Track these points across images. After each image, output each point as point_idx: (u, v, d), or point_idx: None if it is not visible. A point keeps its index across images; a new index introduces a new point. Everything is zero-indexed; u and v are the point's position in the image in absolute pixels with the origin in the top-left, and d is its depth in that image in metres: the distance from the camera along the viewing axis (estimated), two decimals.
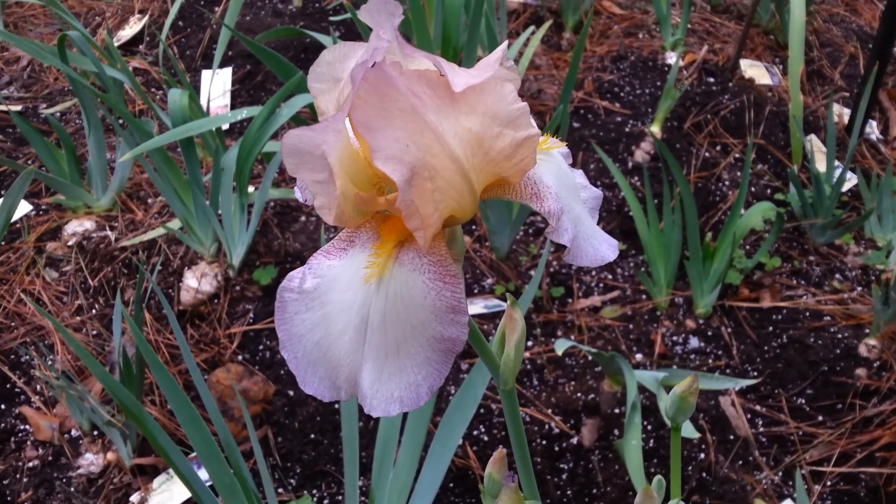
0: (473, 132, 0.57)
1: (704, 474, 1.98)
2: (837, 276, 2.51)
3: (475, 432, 2.04)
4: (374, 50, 0.54)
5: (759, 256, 2.40)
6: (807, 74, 3.38)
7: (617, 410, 2.06)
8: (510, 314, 0.72)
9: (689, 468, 1.98)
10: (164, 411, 2.08)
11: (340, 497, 1.94)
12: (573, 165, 2.53)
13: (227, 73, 3.15)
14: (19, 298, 2.35)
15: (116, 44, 3.37)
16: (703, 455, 2.01)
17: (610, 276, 2.48)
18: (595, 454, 2.00)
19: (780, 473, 2.01)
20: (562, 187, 0.63)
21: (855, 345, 2.25)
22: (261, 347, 2.23)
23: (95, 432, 2.04)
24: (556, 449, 2.01)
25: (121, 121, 2.79)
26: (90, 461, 1.99)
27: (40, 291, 2.37)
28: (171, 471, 1.93)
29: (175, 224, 2.44)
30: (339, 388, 0.60)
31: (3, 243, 2.51)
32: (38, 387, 2.15)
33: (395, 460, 1.59)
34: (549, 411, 2.09)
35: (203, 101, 2.93)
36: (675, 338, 2.31)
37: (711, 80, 3.14)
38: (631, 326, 2.33)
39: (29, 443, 2.04)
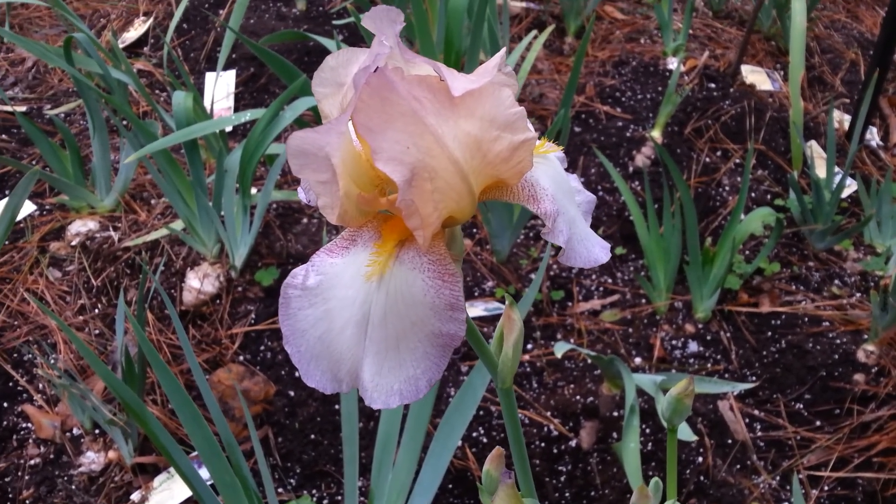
0: (472, 135, 0.58)
1: (702, 478, 1.99)
2: (836, 281, 2.52)
3: (474, 434, 2.05)
4: (376, 56, 0.56)
5: (758, 262, 2.42)
6: (808, 80, 3.39)
7: (616, 413, 2.07)
8: (508, 314, 0.74)
9: (687, 472, 1.99)
10: (166, 410, 2.10)
11: (340, 497, 1.95)
12: (574, 170, 2.54)
13: (231, 75, 3.17)
14: (23, 297, 2.36)
15: (121, 46, 3.39)
16: (700, 459, 2.02)
17: (610, 280, 2.50)
18: (593, 457, 2.01)
19: (778, 478, 2.02)
20: (558, 190, 0.65)
21: (853, 350, 2.26)
22: (262, 348, 2.24)
23: (97, 431, 2.05)
24: (555, 451, 2.03)
25: (125, 122, 2.81)
26: (91, 459, 2.00)
27: (43, 291, 2.38)
28: (171, 469, 1.95)
29: (178, 225, 2.45)
30: (341, 380, 0.61)
31: (7, 243, 2.53)
32: (41, 385, 2.16)
33: (394, 461, 1.60)
34: (548, 414, 2.10)
35: (207, 104, 2.94)
36: (674, 342, 2.32)
37: (712, 85, 3.15)
38: (630, 330, 2.34)
39: (31, 441, 2.06)
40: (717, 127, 2.99)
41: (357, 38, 3.34)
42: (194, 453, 1.91)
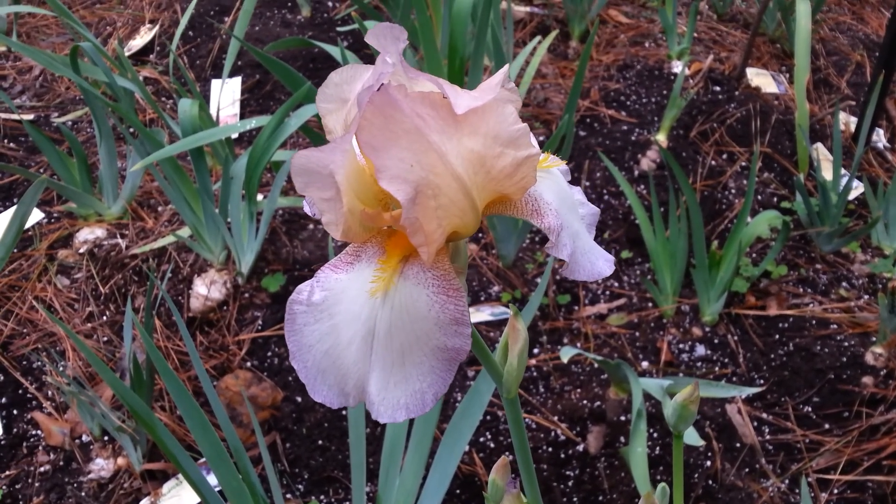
0: (475, 152, 0.59)
1: (710, 482, 1.98)
2: (844, 284, 2.51)
3: (481, 439, 2.05)
4: (379, 74, 0.56)
5: (765, 264, 2.41)
6: (813, 83, 3.38)
7: (623, 418, 2.07)
8: (513, 324, 0.74)
9: (696, 476, 1.99)
10: (174, 417, 2.11)
11: (348, 503, 1.95)
12: (579, 174, 2.53)
13: (237, 82, 3.18)
14: (31, 305, 2.38)
15: (127, 53, 3.41)
16: (709, 462, 2.01)
17: (616, 284, 2.49)
18: (601, 461, 2.01)
19: (787, 481, 2.01)
20: (561, 204, 0.65)
21: (861, 353, 2.25)
22: (269, 354, 2.25)
23: (106, 438, 2.06)
24: (562, 456, 2.02)
25: (131, 130, 2.83)
26: (101, 466, 2.01)
27: (52, 298, 2.40)
28: (180, 476, 1.95)
29: (185, 232, 2.46)
30: (348, 394, 0.62)
31: (15, 251, 2.54)
32: (50, 392, 2.18)
33: (401, 466, 1.60)
34: (556, 418, 2.10)
35: (213, 111, 2.96)
36: (681, 345, 2.31)
37: (717, 88, 3.15)
38: (637, 334, 2.34)
39: (41, 448, 2.07)
40: (722, 130, 2.99)
41: (361, 44, 3.35)
42: (202, 459, 1.92)
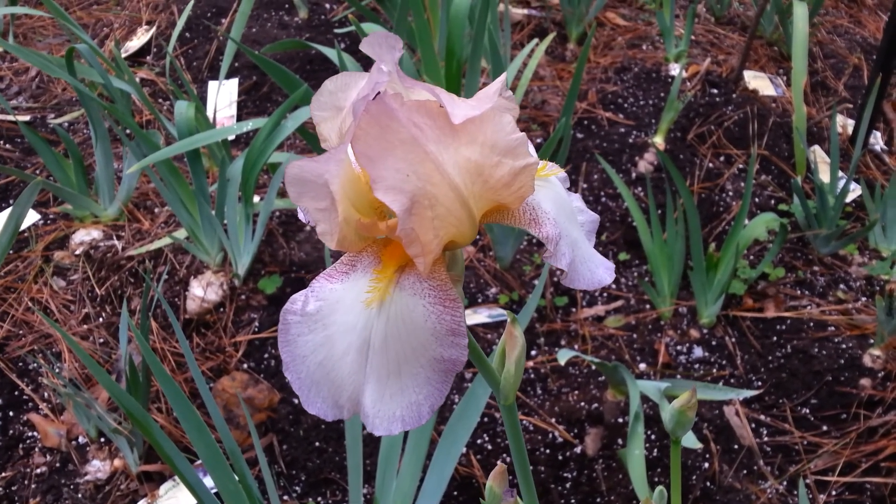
0: (473, 161, 0.58)
1: (708, 483, 1.98)
2: (842, 286, 2.51)
3: (479, 441, 2.05)
4: (374, 83, 0.56)
5: (762, 267, 2.41)
6: (811, 85, 3.39)
7: (620, 420, 2.06)
8: (510, 331, 0.73)
9: (693, 477, 1.99)
10: (171, 419, 2.10)
11: None
12: (577, 176, 2.53)
13: (234, 84, 3.18)
14: (27, 307, 2.37)
15: (124, 55, 3.41)
16: (706, 464, 2.01)
17: (613, 286, 2.49)
18: (599, 463, 2.00)
19: (785, 483, 2.01)
20: (560, 213, 0.65)
21: (859, 355, 2.25)
22: (266, 356, 2.24)
23: (102, 439, 2.05)
24: (560, 458, 2.02)
25: (127, 132, 2.82)
26: (97, 468, 2.00)
27: (48, 300, 2.39)
28: (177, 478, 1.95)
29: (181, 234, 2.46)
30: (342, 407, 0.61)
31: (11, 252, 2.53)
32: (46, 394, 2.17)
33: (398, 469, 1.60)
34: (553, 420, 2.09)
35: (209, 112, 2.95)
36: (678, 347, 2.31)
37: (715, 91, 3.15)
38: (635, 336, 2.34)
39: (37, 449, 2.06)
40: (719, 132, 2.99)
41: (357, 45, 3.35)
42: (199, 461, 1.91)
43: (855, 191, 2.78)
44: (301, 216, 0.72)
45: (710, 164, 2.89)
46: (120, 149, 2.91)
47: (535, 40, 2.99)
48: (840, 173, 2.71)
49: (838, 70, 3.52)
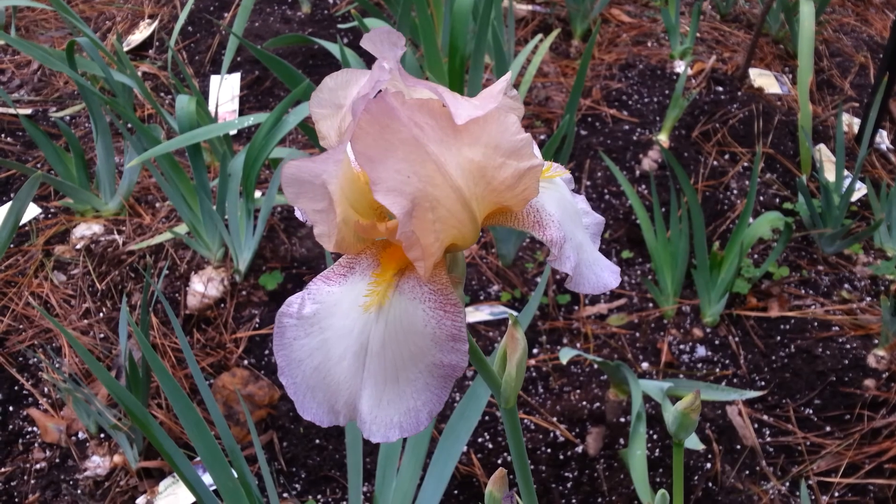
0: (476, 162, 0.56)
1: (710, 484, 1.97)
2: (846, 286, 2.50)
3: (479, 439, 2.04)
4: (375, 82, 0.54)
5: (767, 266, 2.39)
6: (816, 84, 3.37)
7: (622, 419, 2.05)
8: (512, 333, 0.72)
9: (696, 478, 1.97)
10: (171, 415, 2.09)
11: (345, 503, 1.94)
12: (580, 173, 2.51)
13: (236, 78, 3.16)
14: (28, 301, 2.36)
15: (126, 48, 3.40)
16: (709, 465, 2.00)
17: (616, 284, 2.48)
18: (600, 463, 1.99)
19: (788, 484, 2.00)
20: (564, 215, 0.63)
21: (863, 355, 2.24)
22: (266, 352, 2.23)
23: (102, 435, 2.04)
24: (561, 458, 2.01)
25: (129, 126, 2.81)
26: (97, 464, 2.00)
27: (48, 294, 2.38)
28: (176, 474, 1.94)
29: (182, 229, 2.45)
30: (338, 412, 0.60)
31: (11, 246, 2.52)
32: (46, 389, 2.16)
33: (398, 467, 1.59)
34: (554, 419, 2.08)
35: (212, 106, 2.94)
36: (681, 346, 2.30)
37: (720, 88, 3.13)
38: (637, 335, 2.33)
39: (36, 445, 2.05)
40: (724, 130, 2.97)
41: (361, 42, 3.33)
42: (198, 458, 1.90)
43: (860, 190, 2.76)
44: (298, 215, 0.71)
45: (715, 162, 2.87)
46: (121, 143, 2.90)
47: (539, 36, 2.97)
48: (845, 172, 2.69)
49: (844, 68, 3.50)
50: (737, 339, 2.32)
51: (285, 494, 1.96)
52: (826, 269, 2.55)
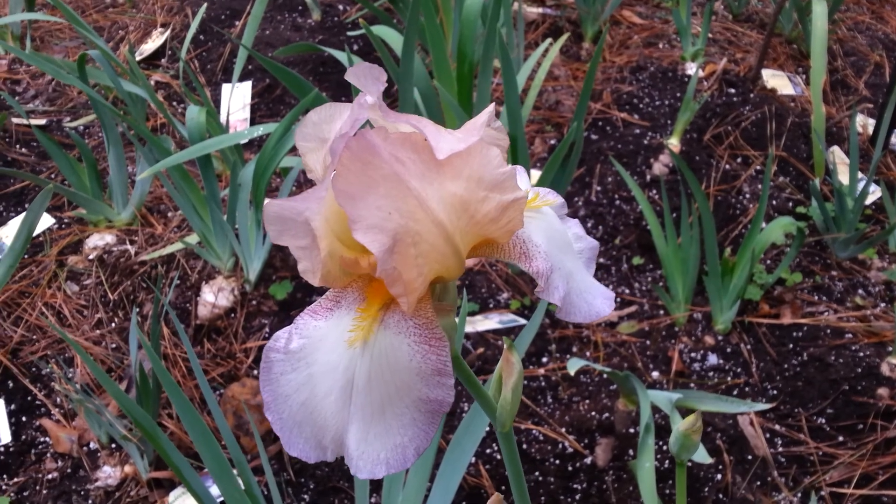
0: (458, 196, 0.56)
1: (721, 495, 1.95)
2: (860, 291, 2.46)
3: (488, 450, 2.03)
4: (353, 121, 0.54)
5: (779, 272, 2.37)
6: (830, 84, 3.33)
7: (632, 430, 2.04)
8: (507, 357, 0.72)
9: (706, 489, 1.96)
10: (181, 425, 2.10)
11: None
12: (590, 179, 2.49)
13: (247, 86, 3.18)
14: (41, 311, 2.39)
15: (139, 57, 3.42)
16: (719, 476, 1.98)
17: (627, 291, 2.46)
18: (609, 474, 1.98)
19: (799, 495, 1.97)
20: (552, 245, 0.63)
21: (877, 363, 2.20)
22: None
23: (113, 445, 2.06)
24: (570, 469, 2.00)
25: (140, 137, 2.83)
26: (108, 474, 2.01)
27: (61, 305, 2.40)
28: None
29: (193, 239, 2.46)
30: (325, 448, 0.60)
31: (25, 256, 2.55)
32: (58, 400, 2.18)
33: (405, 479, 1.58)
34: (563, 430, 2.07)
35: (223, 115, 2.96)
36: (693, 354, 2.28)
37: (732, 90, 3.10)
38: (648, 343, 2.31)
39: (49, 455, 2.07)
40: (737, 133, 2.94)
41: (370, 48, 3.34)
42: (206, 469, 1.91)
43: (875, 193, 2.73)
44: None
45: (727, 166, 2.85)
46: (134, 152, 2.92)
47: (550, 39, 2.96)
48: (860, 175, 2.65)
49: (859, 68, 3.45)
50: (749, 346, 2.30)
51: None
52: (840, 274, 2.52)
